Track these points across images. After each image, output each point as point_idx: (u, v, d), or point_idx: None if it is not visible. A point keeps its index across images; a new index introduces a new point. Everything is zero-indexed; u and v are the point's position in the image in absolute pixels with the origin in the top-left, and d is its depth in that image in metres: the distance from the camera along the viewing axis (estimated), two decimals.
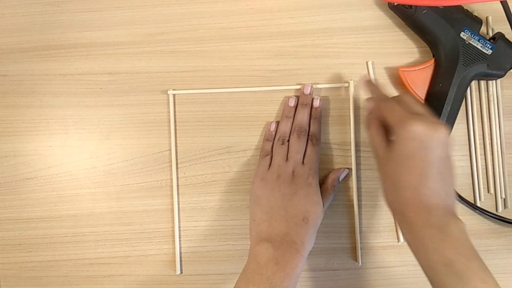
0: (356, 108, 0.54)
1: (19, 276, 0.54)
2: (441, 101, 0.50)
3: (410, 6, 0.50)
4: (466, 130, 0.54)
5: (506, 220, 0.52)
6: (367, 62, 0.54)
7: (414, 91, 0.51)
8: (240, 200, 0.54)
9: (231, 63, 0.55)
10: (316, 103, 0.53)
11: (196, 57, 0.55)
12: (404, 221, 0.42)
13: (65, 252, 0.54)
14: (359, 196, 0.53)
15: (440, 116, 0.50)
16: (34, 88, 0.55)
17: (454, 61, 0.50)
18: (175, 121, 0.54)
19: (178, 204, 0.54)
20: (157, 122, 0.55)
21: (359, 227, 0.53)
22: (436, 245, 0.39)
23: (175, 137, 0.54)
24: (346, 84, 0.54)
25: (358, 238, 0.53)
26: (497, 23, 0.54)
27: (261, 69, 0.55)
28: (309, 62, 0.54)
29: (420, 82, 0.51)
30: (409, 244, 0.42)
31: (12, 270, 0.54)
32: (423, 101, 0.51)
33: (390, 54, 0.54)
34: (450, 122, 0.51)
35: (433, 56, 0.52)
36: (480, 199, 0.53)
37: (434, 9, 0.50)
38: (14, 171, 0.55)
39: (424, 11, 0.50)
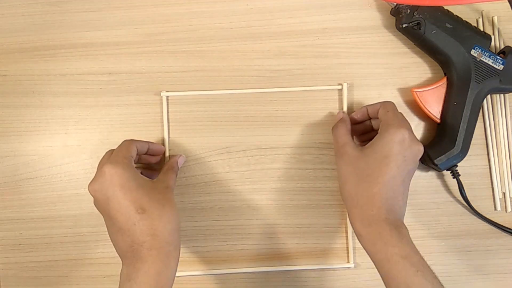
0: (350, 108, 0.54)
1: (19, 276, 0.54)
2: (457, 119, 0.50)
3: (419, 28, 0.50)
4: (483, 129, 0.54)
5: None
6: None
7: (429, 111, 0.51)
8: (240, 200, 0.54)
9: (231, 63, 0.55)
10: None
11: (196, 57, 0.55)
12: (363, 214, 0.44)
13: (65, 252, 0.54)
14: None
15: (457, 134, 0.50)
16: (34, 88, 0.55)
17: (466, 79, 0.50)
18: (168, 122, 0.54)
19: None
20: (157, 122, 0.54)
21: None
22: (395, 240, 0.42)
23: (168, 138, 0.54)
24: (340, 87, 0.54)
25: (351, 238, 0.53)
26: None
27: (261, 69, 0.55)
28: (309, 62, 0.54)
29: (433, 101, 0.51)
30: (363, 237, 0.44)
31: (12, 270, 0.54)
32: (438, 121, 0.51)
33: (390, 54, 0.54)
34: (467, 139, 0.50)
35: (445, 75, 0.52)
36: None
37: (443, 28, 0.50)
38: (14, 171, 0.55)
39: (433, 31, 0.49)
